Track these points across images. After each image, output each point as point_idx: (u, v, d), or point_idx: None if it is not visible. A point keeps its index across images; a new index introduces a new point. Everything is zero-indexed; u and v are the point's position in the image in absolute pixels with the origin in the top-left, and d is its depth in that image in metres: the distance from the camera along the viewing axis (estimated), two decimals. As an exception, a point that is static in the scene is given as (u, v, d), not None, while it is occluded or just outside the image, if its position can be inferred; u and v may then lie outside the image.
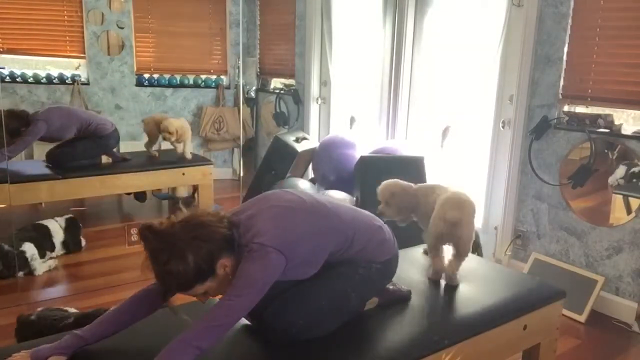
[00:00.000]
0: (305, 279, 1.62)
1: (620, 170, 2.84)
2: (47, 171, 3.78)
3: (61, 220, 3.51)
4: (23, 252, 3.13)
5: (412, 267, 2.17)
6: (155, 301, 1.53)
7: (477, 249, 3.39)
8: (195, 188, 4.52)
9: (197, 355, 1.34)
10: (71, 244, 3.49)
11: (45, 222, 3.44)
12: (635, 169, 2.78)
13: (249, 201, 1.66)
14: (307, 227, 1.56)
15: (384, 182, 2.29)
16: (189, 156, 4.33)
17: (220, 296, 1.48)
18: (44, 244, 3.33)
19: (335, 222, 1.64)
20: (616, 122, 2.88)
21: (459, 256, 2.02)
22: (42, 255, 3.27)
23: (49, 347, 1.44)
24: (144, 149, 5.12)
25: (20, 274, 3.10)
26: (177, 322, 1.54)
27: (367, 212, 1.82)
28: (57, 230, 3.44)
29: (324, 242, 1.60)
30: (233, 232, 1.47)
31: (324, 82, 4.81)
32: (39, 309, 2.27)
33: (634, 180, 2.78)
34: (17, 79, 4.73)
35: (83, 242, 3.59)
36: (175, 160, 4.41)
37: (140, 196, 4.58)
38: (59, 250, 3.44)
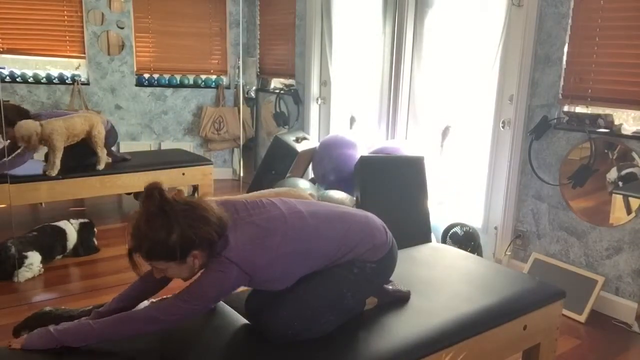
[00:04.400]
0: (300, 281, 1.62)
1: (613, 172, 2.86)
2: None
3: (76, 224, 3.48)
4: (24, 257, 3.10)
5: (412, 267, 2.17)
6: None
7: (477, 249, 3.39)
8: (195, 188, 4.52)
9: (130, 337, 1.48)
10: (81, 249, 3.47)
11: (62, 224, 3.42)
12: (624, 172, 2.79)
13: (253, 202, 1.65)
14: (280, 252, 1.55)
15: None
16: (54, 172, 3.56)
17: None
18: (55, 246, 3.33)
19: (317, 245, 1.62)
20: (616, 122, 2.88)
21: None
22: (49, 258, 3.27)
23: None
24: (144, 149, 5.13)
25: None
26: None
27: (359, 214, 1.78)
28: (72, 233, 3.42)
29: (298, 264, 1.60)
30: (220, 240, 1.49)
31: (324, 82, 4.81)
32: (46, 308, 2.28)
33: (626, 182, 2.79)
34: (17, 79, 4.73)
35: (96, 244, 3.57)
36: (175, 160, 4.41)
37: (140, 196, 4.57)
38: (69, 254, 3.42)
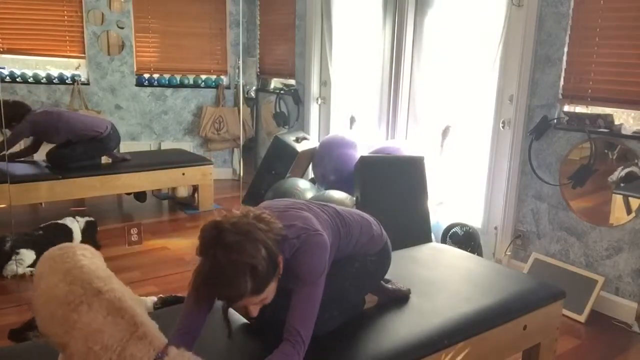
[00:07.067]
0: None
1: (615, 173, 2.85)
2: (47, 171, 3.78)
3: (82, 221, 3.52)
4: (17, 254, 3.09)
5: (412, 267, 2.17)
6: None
7: (477, 249, 3.39)
8: (195, 188, 4.52)
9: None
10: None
11: (69, 222, 3.44)
12: (624, 172, 2.80)
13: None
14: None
15: None
16: None
17: None
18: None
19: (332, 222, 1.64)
20: (616, 122, 2.88)
21: None
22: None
23: None
24: (144, 149, 5.14)
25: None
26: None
27: (353, 210, 1.84)
28: (77, 232, 3.45)
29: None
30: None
31: (324, 82, 4.81)
32: None
33: (626, 182, 2.79)
34: (17, 79, 4.74)
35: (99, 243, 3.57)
36: (175, 160, 4.42)
37: (140, 196, 4.58)
38: None
